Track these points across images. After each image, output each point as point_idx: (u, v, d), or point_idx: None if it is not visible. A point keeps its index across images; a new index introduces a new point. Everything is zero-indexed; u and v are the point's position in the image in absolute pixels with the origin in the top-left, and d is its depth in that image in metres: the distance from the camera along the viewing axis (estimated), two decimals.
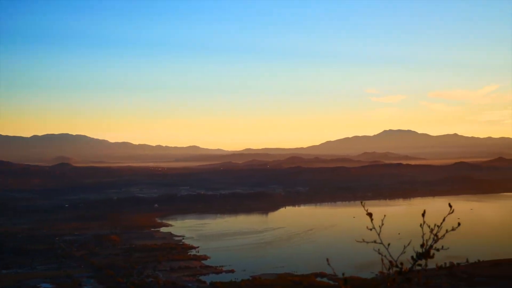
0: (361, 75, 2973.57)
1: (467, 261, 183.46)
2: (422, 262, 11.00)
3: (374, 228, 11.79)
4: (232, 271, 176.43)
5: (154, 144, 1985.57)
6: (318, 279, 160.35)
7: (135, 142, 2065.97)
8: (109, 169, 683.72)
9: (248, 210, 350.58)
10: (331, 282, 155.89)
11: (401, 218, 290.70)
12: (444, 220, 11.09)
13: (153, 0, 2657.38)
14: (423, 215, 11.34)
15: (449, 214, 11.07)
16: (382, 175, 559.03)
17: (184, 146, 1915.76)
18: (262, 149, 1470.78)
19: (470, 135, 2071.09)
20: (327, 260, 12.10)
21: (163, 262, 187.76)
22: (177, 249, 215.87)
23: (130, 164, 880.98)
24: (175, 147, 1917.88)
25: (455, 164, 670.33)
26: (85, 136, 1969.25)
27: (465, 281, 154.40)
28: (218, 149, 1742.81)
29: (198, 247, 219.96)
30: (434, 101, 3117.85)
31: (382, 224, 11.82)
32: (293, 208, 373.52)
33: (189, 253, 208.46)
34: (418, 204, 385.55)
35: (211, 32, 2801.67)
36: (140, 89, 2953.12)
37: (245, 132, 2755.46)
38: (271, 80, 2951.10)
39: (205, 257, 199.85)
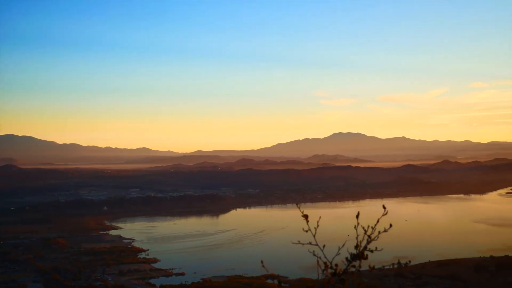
0: (311, 78, 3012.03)
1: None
2: (357, 263, 10.85)
3: (309, 229, 11.54)
4: (182, 274, 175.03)
5: (103, 146, 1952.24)
6: (269, 281, 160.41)
7: (84, 143, 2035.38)
8: (56, 171, 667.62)
9: (199, 213, 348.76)
10: (282, 284, 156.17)
11: (351, 220, 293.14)
12: (378, 221, 10.89)
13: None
14: (357, 216, 11.31)
15: (383, 215, 10.87)
16: (332, 178, 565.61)
17: (134, 148, 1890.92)
18: (213, 151, 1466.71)
19: (417, 138, 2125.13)
20: (262, 262, 11.98)
21: (112, 266, 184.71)
22: (127, 252, 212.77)
23: (79, 166, 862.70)
24: (125, 149, 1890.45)
25: (403, 167, 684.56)
26: (31, 137, 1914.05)
27: (413, 281, 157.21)
28: (169, 151, 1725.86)
29: (148, 250, 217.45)
30: (383, 105, 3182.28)
31: (318, 226, 11.58)
32: (244, 210, 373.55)
33: (138, 256, 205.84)
34: (367, 206, 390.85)
35: (161, 34, 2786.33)
36: (88, 90, 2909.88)
37: (196, 134, 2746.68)
38: (222, 82, 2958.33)
39: (155, 260, 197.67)
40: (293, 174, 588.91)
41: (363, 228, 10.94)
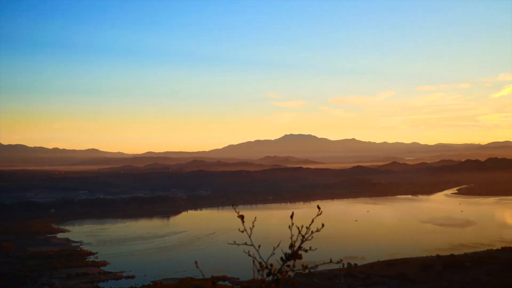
0: (263, 80, 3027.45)
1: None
2: (291, 263, 11.10)
3: (245, 230, 11.69)
4: (132, 277, 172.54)
5: (50, 147, 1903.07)
6: (220, 282, 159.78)
7: (30, 144, 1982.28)
8: (1, 172, 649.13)
9: (150, 215, 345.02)
10: (233, 286, 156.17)
11: (301, 221, 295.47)
12: (312, 221, 10.90)
13: None
14: (291, 217, 11.27)
15: (317, 215, 10.90)
16: (283, 179, 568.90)
17: (83, 149, 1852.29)
18: (164, 152, 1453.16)
19: (367, 140, 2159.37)
20: (196, 262, 11.86)
21: (60, 269, 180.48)
22: (75, 255, 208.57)
23: (25, 167, 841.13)
24: (73, 150, 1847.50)
25: (353, 168, 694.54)
26: None
27: (362, 281, 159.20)
28: (119, 152, 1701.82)
29: (97, 253, 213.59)
30: (333, 107, 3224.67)
31: (253, 226, 11.70)
32: (195, 211, 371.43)
33: (87, 259, 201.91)
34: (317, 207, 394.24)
35: (113, 34, 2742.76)
36: (34, 89, 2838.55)
37: (147, 135, 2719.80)
38: (173, 83, 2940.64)
39: (104, 263, 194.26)
40: (245, 176, 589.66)
41: (298, 228, 11.01)
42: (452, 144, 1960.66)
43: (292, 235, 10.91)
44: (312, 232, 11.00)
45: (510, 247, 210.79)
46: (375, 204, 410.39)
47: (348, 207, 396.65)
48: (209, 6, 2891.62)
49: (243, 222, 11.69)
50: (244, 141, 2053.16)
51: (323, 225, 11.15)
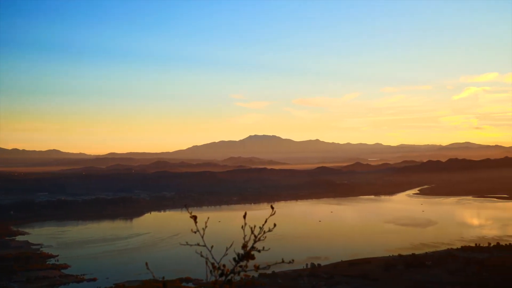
0: (228, 80, 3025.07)
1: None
2: (244, 263, 10.75)
3: (198, 231, 11.71)
4: (94, 280, 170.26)
5: (9, 148, 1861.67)
6: (184, 284, 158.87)
7: None
8: None
9: (112, 216, 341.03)
10: (197, 287, 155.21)
11: (263, 222, 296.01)
12: (266, 221, 10.75)
13: None
14: (244, 217, 10.95)
15: (271, 215, 10.77)
16: (247, 180, 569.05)
17: (43, 149, 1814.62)
18: (127, 153, 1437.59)
19: (331, 141, 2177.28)
20: (146, 264, 11.65)
21: (19, 273, 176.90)
22: (35, 258, 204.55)
23: None
24: (33, 151, 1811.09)
25: (317, 169, 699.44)
26: None
27: (326, 281, 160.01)
28: (80, 153, 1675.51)
29: (57, 255, 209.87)
30: (298, 108, 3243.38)
31: (206, 227, 11.80)
32: (159, 213, 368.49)
33: (47, 262, 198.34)
34: (281, 208, 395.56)
35: (74, 33, 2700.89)
36: None
37: (109, 136, 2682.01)
38: (136, 83, 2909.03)
39: (65, 266, 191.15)
40: (209, 177, 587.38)
41: (251, 228, 10.75)
42: (414, 145, 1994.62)
43: (245, 235, 10.69)
44: (264, 232, 10.79)
45: (469, 246, 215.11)
46: (339, 204, 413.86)
47: (312, 207, 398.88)
48: (174, 6, 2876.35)
49: (195, 222, 11.66)
50: (208, 142, 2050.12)
51: (275, 225, 10.80)
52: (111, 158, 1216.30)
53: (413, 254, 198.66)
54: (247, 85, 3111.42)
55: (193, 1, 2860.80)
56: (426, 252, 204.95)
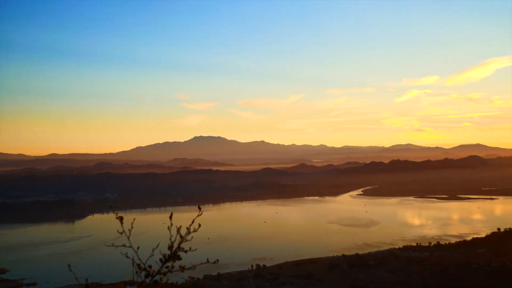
0: (173, 81, 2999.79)
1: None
2: (170, 264, 10.86)
3: (124, 232, 11.79)
4: (34, 284, 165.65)
5: None
6: (128, 287, 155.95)
7: None
8: None
9: (53, 219, 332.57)
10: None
11: (211, 224, 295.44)
12: (193, 221, 10.94)
13: None
14: (170, 217, 11.20)
15: (198, 216, 10.98)
16: (192, 181, 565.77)
17: None
18: (69, 154, 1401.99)
19: (276, 142, 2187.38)
20: (69, 266, 11.27)
21: None
22: None
23: None
24: None
25: (262, 170, 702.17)
26: None
27: (270, 282, 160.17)
28: (20, 154, 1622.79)
29: None
30: (243, 109, 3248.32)
31: (132, 228, 11.96)
32: (102, 215, 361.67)
33: None
34: (226, 209, 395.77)
35: (20, 32, 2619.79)
36: None
37: (50, 136, 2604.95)
38: (78, 82, 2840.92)
39: (2, 270, 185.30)
40: (153, 178, 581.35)
41: (177, 228, 10.85)
42: (357, 146, 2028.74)
43: (171, 236, 10.81)
44: (189, 232, 10.80)
45: (411, 245, 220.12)
46: (284, 205, 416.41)
47: (257, 208, 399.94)
48: (120, 3, 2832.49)
49: (121, 223, 11.72)
50: (152, 143, 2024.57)
51: (199, 225, 11.01)
52: (52, 159, 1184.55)
53: (357, 254, 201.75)
54: (192, 86, 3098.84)
55: (139, 1, 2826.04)
56: (369, 252, 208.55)
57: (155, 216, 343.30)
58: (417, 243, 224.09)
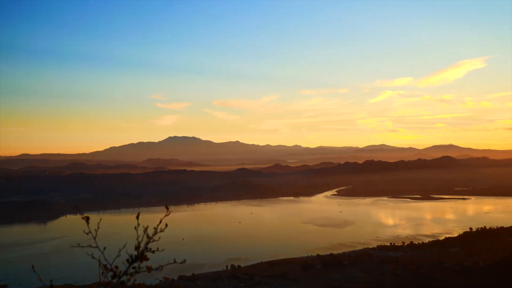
0: (147, 81, 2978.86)
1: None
2: (137, 264, 10.95)
3: (90, 232, 11.91)
4: (5, 286, 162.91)
5: None
6: None
7: None
8: None
9: (25, 220, 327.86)
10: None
11: (185, 224, 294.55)
12: (160, 221, 10.85)
13: None
14: (137, 217, 11.16)
15: (165, 216, 10.91)
16: (167, 182, 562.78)
17: None
18: (41, 154, 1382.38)
19: (250, 143, 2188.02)
20: (32, 266, 11.05)
21: None
22: None
23: None
24: None
25: (237, 170, 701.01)
26: None
27: (245, 282, 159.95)
28: None
29: None
30: (217, 110, 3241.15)
31: (98, 228, 11.99)
32: (75, 216, 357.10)
33: None
34: (201, 210, 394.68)
35: None
36: None
37: (21, 136, 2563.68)
38: (51, 82, 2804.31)
39: None
40: (127, 179, 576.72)
41: (144, 228, 10.84)
42: (332, 147, 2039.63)
43: (138, 236, 10.82)
44: (156, 232, 10.78)
45: (384, 245, 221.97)
46: (259, 206, 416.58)
47: (232, 209, 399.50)
48: (93, 3, 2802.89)
49: (87, 223, 11.73)
50: (126, 143, 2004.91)
51: (166, 225, 10.93)
52: (24, 159, 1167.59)
53: (331, 254, 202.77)
54: (167, 86, 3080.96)
55: (112, 1, 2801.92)
56: (344, 252, 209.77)
57: (129, 217, 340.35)
58: (390, 243, 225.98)
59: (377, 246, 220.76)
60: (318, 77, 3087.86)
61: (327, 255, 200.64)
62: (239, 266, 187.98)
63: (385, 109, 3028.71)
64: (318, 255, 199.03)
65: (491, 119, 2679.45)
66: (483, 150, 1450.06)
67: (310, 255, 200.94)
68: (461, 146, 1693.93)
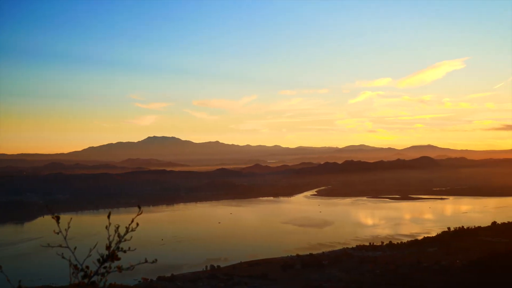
0: (126, 80, 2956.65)
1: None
2: (108, 264, 10.68)
3: (60, 232, 11.68)
4: None
5: None
6: None
7: None
8: None
9: (2, 221, 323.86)
10: None
11: (165, 225, 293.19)
12: (132, 221, 10.84)
13: None
14: (108, 217, 11.20)
15: (137, 215, 11.06)
16: (146, 182, 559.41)
17: None
18: (18, 154, 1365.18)
19: (230, 143, 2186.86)
20: (0, 267, 10.53)
21: None
22: None
23: None
24: None
25: (217, 171, 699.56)
26: None
27: (225, 282, 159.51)
28: None
29: None
30: (197, 110, 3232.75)
31: (69, 227, 11.61)
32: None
33: None
34: (181, 210, 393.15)
35: None
36: None
37: None
38: (28, 81, 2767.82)
39: None
40: (106, 179, 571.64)
41: (115, 227, 10.66)
42: (312, 147, 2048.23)
43: (109, 236, 10.51)
44: (128, 231, 10.69)
45: (364, 245, 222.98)
46: (239, 206, 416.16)
47: (211, 209, 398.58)
48: (70, 2, 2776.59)
49: (58, 223, 11.43)
50: (105, 143, 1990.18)
51: (137, 224, 10.89)
52: (0, 159, 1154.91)
53: (311, 254, 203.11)
54: (146, 86, 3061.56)
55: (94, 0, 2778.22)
56: (323, 252, 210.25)
57: (103, 217, 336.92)
58: (370, 243, 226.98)
59: (356, 246, 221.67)
60: (298, 77, 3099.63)
61: (307, 255, 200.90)
62: (218, 266, 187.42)
63: (364, 109, 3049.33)
64: (297, 255, 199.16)
65: (469, 119, 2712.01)
66: (461, 151, 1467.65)
67: (289, 255, 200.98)
68: (439, 146, 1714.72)
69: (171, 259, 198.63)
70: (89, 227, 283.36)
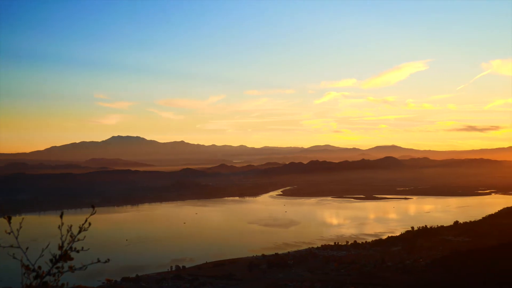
0: (90, 79, 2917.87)
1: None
2: (61, 264, 10.60)
3: (12, 232, 11.65)
4: None
5: None
6: None
7: None
8: None
9: None
10: None
11: (129, 225, 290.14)
12: (86, 221, 10.72)
13: None
14: (61, 216, 10.93)
15: (91, 215, 10.82)
16: (111, 182, 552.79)
17: None
18: None
19: (196, 143, 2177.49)
20: None
21: None
22: None
23: None
24: None
25: (182, 171, 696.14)
26: None
27: (190, 283, 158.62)
28: None
29: None
30: (163, 109, 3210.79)
31: (20, 227, 11.74)
32: (14, 217, 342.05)
33: None
34: (146, 210, 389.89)
35: None
36: None
37: None
38: None
39: None
40: (69, 179, 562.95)
41: (68, 227, 10.65)
42: (277, 147, 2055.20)
43: (62, 235, 10.55)
44: (81, 231, 10.63)
45: (329, 244, 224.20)
46: (204, 206, 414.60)
47: (176, 209, 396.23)
48: (40, 2, 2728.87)
49: (9, 223, 11.57)
50: (68, 143, 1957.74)
51: (89, 224, 10.70)
52: None
53: (276, 254, 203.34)
54: (110, 85, 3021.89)
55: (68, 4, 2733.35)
56: (289, 252, 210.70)
57: (70, 218, 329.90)
58: (335, 242, 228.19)
59: (322, 245, 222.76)
60: (264, 78, 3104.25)
61: (272, 255, 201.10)
62: (183, 266, 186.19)
63: (329, 110, 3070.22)
64: (263, 255, 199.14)
65: (432, 120, 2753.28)
66: (424, 151, 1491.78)
67: (255, 255, 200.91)
68: (403, 147, 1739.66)
69: (135, 260, 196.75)
70: (49, 228, 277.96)
